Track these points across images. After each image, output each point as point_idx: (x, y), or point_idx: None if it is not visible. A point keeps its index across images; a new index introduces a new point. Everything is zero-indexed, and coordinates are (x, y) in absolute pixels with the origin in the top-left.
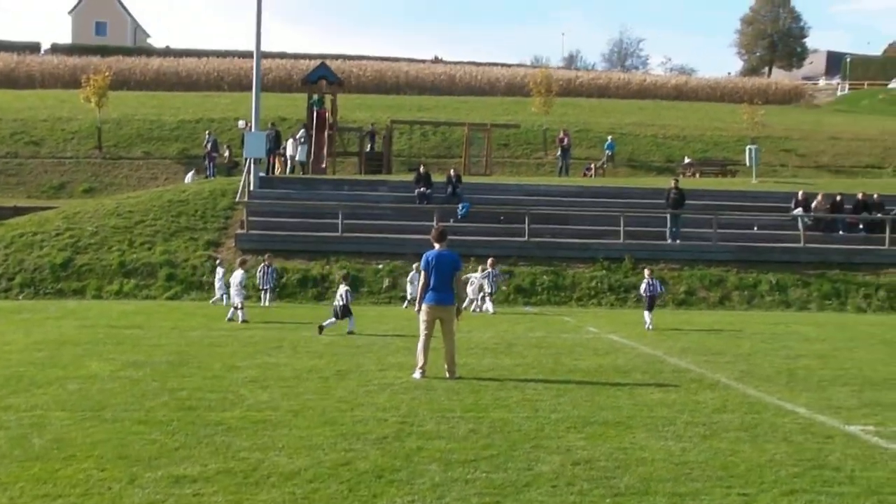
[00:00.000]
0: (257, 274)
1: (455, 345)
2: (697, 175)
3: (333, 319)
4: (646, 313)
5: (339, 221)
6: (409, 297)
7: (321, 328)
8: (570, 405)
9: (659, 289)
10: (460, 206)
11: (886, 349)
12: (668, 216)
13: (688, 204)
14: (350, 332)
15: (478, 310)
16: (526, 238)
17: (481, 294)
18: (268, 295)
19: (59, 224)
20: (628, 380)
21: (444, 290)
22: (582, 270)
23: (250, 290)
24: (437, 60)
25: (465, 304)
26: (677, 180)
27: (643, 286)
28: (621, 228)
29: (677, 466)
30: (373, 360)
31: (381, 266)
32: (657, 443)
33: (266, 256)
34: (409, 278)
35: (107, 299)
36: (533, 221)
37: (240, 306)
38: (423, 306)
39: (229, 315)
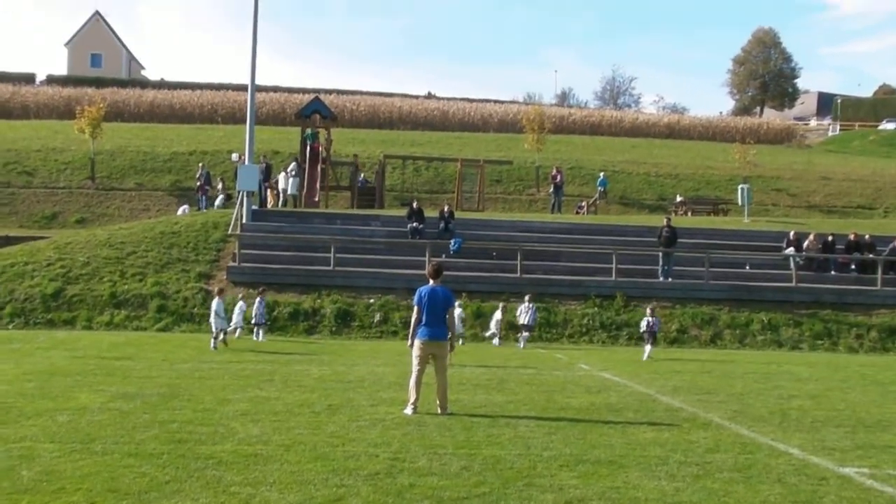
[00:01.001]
0: (252, 309)
1: (447, 380)
2: (689, 213)
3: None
4: (646, 347)
5: (332, 255)
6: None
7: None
8: (562, 443)
9: (658, 325)
10: (453, 241)
11: (879, 390)
12: (661, 254)
13: (680, 242)
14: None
15: (499, 342)
16: (518, 274)
17: (498, 328)
18: (261, 330)
19: (50, 254)
20: (621, 418)
21: (437, 326)
22: (574, 307)
23: (243, 324)
24: (430, 96)
25: (486, 336)
26: (669, 218)
27: (644, 323)
28: (613, 266)
29: None
30: (364, 396)
31: (372, 300)
32: (650, 482)
33: (260, 290)
34: None
35: (97, 330)
36: (525, 258)
37: (216, 335)
38: (416, 342)
39: (215, 344)
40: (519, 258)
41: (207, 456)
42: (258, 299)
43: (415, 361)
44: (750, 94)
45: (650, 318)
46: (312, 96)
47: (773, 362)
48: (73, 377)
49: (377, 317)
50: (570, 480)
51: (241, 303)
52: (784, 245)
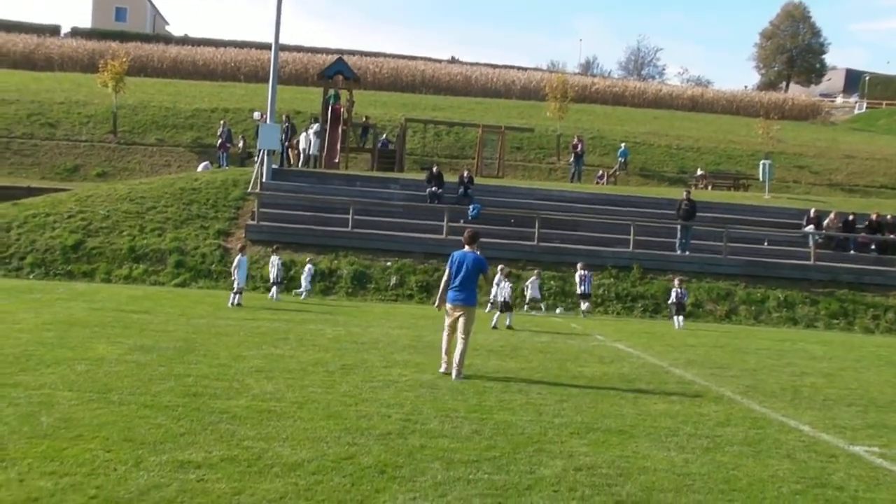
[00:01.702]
0: (270, 267)
1: (468, 346)
2: (710, 187)
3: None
4: (677, 318)
5: (350, 217)
6: (491, 298)
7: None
8: (573, 411)
9: (686, 296)
10: (471, 207)
11: (893, 371)
12: (679, 227)
13: (699, 216)
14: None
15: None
16: (535, 242)
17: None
18: (276, 289)
19: (71, 206)
20: (633, 389)
21: (465, 290)
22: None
23: (257, 283)
24: (453, 61)
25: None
26: (689, 191)
27: (673, 294)
28: (631, 237)
29: (679, 477)
30: (378, 357)
31: (389, 263)
32: (660, 453)
33: (274, 248)
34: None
35: (116, 283)
36: (543, 226)
37: (237, 291)
38: (446, 305)
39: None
40: (537, 226)
41: (222, 410)
42: (275, 258)
43: (445, 323)
44: (776, 68)
45: (678, 290)
46: (336, 57)
47: (788, 339)
48: (92, 328)
49: (393, 280)
50: (580, 448)
51: (309, 266)
52: (804, 223)
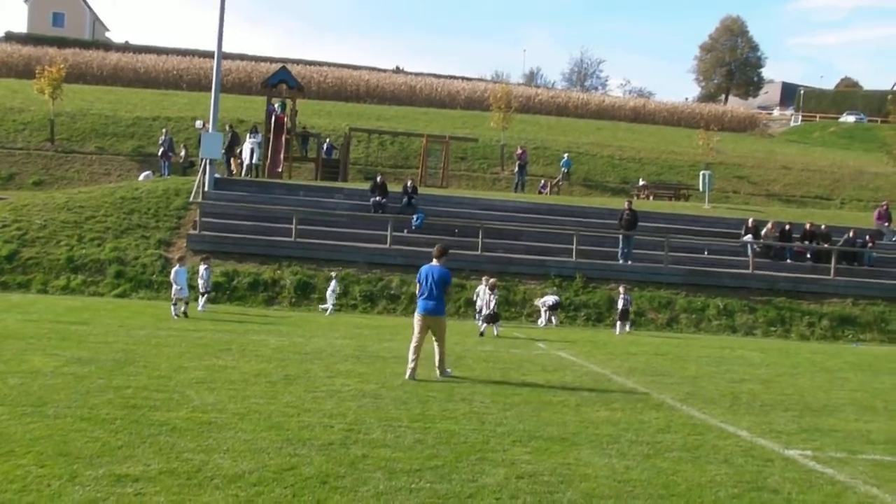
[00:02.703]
0: (198, 278)
1: (445, 348)
2: (651, 197)
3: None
4: (621, 324)
5: (293, 226)
6: (478, 310)
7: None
8: (516, 419)
9: (630, 303)
10: (415, 216)
11: (827, 376)
12: (621, 237)
13: (640, 226)
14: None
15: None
16: (479, 252)
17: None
18: (203, 298)
19: (5, 216)
20: (575, 397)
21: (434, 301)
22: (533, 287)
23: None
24: (398, 70)
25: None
26: (631, 202)
27: (620, 301)
28: (574, 246)
29: (620, 484)
30: (321, 367)
31: (333, 273)
32: (601, 460)
33: (203, 257)
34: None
35: (53, 294)
36: (487, 236)
37: (176, 303)
38: (416, 315)
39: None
40: (480, 236)
41: (161, 422)
42: (203, 266)
43: (415, 330)
44: (715, 81)
45: (624, 296)
46: (279, 66)
47: (727, 347)
48: (27, 340)
49: (338, 289)
50: (523, 456)
51: (333, 281)
52: (742, 232)
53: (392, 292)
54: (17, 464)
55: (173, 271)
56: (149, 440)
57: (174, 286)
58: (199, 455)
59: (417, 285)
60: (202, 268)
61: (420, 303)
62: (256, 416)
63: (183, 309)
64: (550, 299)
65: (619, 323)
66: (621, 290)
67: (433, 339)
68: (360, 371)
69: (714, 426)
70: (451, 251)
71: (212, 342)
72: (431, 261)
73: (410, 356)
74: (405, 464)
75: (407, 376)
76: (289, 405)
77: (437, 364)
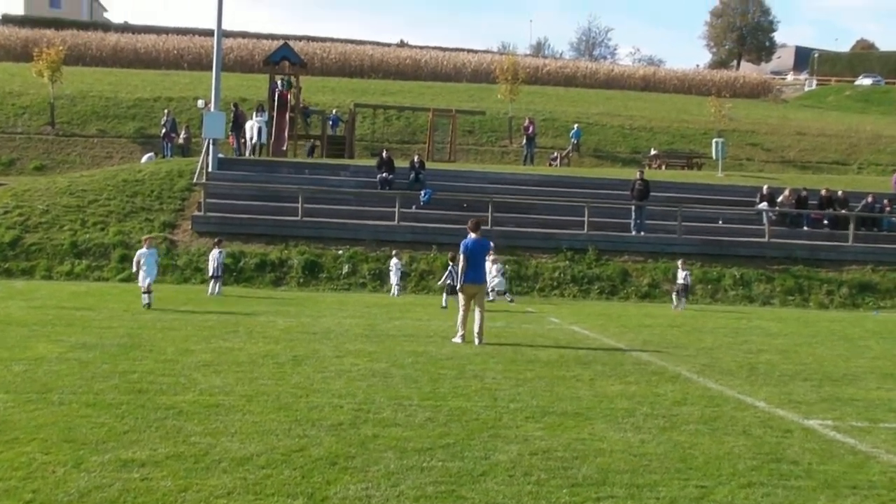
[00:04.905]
0: (209, 261)
1: (484, 316)
2: (663, 167)
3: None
4: (676, 298)
5: (299, 205)
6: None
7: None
8: (529, 395)
9: (690, 277)
10: (423, 192)
11: (847, 345)
12: (633, 208)
13: (653, 196)
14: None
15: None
16: (489, 227)
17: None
18: (218, 283)
19: (7, 202)
20: (589, 371)
21: (479, 271)
22: (545, 260)
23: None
24: (402, 45)
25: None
26: (643, 171)
27: (681, 276)
28: (585, 219)
29: (635, 458)
30: (330, 347)
31: (340, 252)
32: (616, 434)
33: (216, 240)
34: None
35: (57, 280)
36: (496, 210)
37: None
38: (464, 286)
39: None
40: (490, 210)
41: (168, 406)
42: (217, 251)
43: (462, 301)
44: (727, 47)
45: (684, 270)
46: (281, 43)
47: (744, 317)
48: (31, 327)
49: (345, 268)
50: (536, 432)
51: (394, 260)
52: (757, 200)
53: (402, 270)
54: (22, 451)
55: (138, 254)
56: (155, 424)
57: (140, 272)
58: (206, 438)
59: (461, 258)
60: (216, 251)
61: (469, 273)
62: (264, 397)
63: (147, 301)
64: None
65: (675, 297)
66: (679, 264)
67: (475, 307)
68: (370, 350)
69: (732, 398)
70: (459, 226)
71: (218, 324)
72: (468, 234)
73: (460, 325)
74: (416, 442)
75: (457, 340)
76: (297, 386)
77: (476, 331)
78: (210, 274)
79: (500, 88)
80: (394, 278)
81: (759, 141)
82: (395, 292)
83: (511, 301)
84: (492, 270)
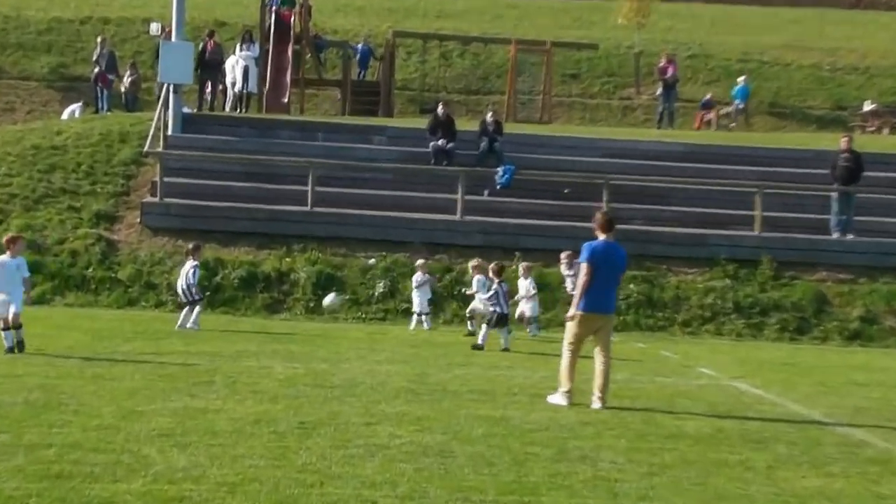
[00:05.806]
0: (181, 278)
1: (610, 363)
2: (885, 131)
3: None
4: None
5: (309, 189)
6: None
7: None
8: (669, 491)
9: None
10: (501, 170)
11: None
12: (835, 196)
13: (867, 177)
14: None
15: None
16: None
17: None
18: (196, 309)
19: None
20: (765, 455)
21: (609, 294)
22: (692, 277)
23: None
24: None
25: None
26: (851, 139)
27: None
28: (757, 213)
29: None
30: (356, 409)
31: (372, 261)
32: None
33: (192, 247)
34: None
35: None
36: (615, 198)
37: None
38: (579, 313)
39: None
40: (605, 198)
41: (104, 501)
42: (190, 263)
43: (570, 338)
44: None
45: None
46: None
47: None
48: None
49: (379, 286)
50: None
51: (419, 274)
52: None
53: (466, 290)
54: None
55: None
56: None
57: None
58: None
59: (586, 270)
60: (189, 265)
61: (592, 295)
62: (255, 486)
63: (10, 343)
64: None
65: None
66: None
67: (598, 347)
68: (419, 415)
69: None
70: (557, 222)
71: (184, 371)
72: (596, 236)
73: (566, 377)
74: None
75: (562, 402)
76: (306, 469)
77: (598, 386)
78: (182, 298)
79: (621, 8)
80: (418, 302)
81: None
82: (425, 323)
83: (533, 335)
84: (528, 288)
